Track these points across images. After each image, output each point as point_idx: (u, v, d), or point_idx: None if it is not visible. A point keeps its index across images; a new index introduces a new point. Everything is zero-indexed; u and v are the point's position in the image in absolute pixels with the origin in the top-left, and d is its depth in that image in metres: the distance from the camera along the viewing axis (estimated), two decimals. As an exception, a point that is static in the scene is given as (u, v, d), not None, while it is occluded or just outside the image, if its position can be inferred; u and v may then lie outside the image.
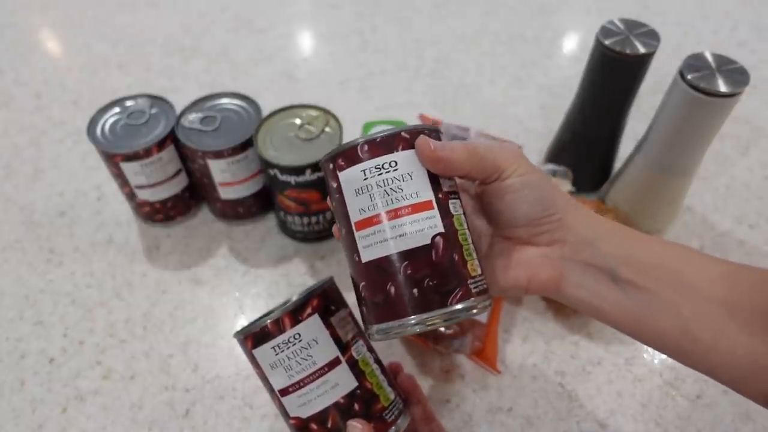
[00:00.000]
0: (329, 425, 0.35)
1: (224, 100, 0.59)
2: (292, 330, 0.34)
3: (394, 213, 0.29)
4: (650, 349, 0.52)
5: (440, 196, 0.30)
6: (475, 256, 0.31)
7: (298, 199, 0.55)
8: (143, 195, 0.58)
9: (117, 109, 0.57)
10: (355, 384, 0.35)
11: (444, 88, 0.79)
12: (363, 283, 0.31)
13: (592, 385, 0.50)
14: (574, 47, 0.86)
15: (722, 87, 0.44)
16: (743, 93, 0.44)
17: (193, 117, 0.56)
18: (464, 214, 0.32)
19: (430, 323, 0.29)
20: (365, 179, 0.30)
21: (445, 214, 0.30)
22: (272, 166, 0.52)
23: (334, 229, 0.35)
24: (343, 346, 0.35)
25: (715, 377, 0.30)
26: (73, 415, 0.49)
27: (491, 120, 0.74)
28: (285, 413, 0.36)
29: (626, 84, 0.52)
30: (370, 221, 0.30)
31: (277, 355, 0.35)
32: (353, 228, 0.30)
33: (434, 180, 0.30)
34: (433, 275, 0.29)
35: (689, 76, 0.45)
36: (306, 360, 0.34)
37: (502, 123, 0.74)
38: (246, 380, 0.51)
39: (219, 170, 0.56)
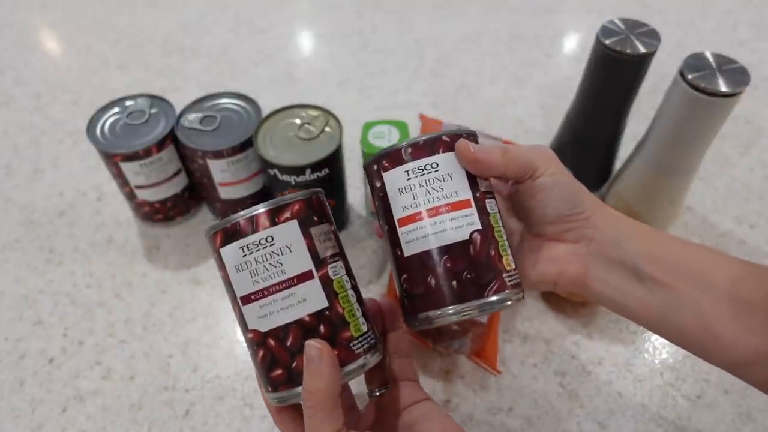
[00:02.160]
0: (288, 343, 0.31)
1: (224, 100, 0.59)
2: (265, 231, 0.31)
3: (435, 210, 0.32)
4: (650, 349, 0.52)
5: (478, 195, 0.32)
6: (510, 252, 0.33)
7: (298, 199, 0.55)
8: (143, 195, 0.58)
9: (117, 109, 0.57)
10: (326, 304, 0.32)
11: (444, 88, 0.79)
12: (405, 276, 0.33)
13: (592, 385, 0.50)
14: (574, 47, 0.86)
15: (723, 87, 0.44)
16: (744, 93, 0.44)
17: (192, 117, 0.56)
18: (499, 212, 0.34)
19: (466, 313, 0.31)
20: (408, 179, 0.32)
21: (482, 212, 0.32)
22: (272, 166, 0.52)
23: (376, 227, 0.36)
24: (320, 261, 0.32)
25: (735, 374, 0.31)
26: (73, 415, 0.49)
27: (491, 120, 0.74)
28: (243, 324, 0.33)
29: (626, 84, 0.52)
30: (413, 218, 0.32)
31: (244, 256, 0.31)
32: (396, 225, 0.33)
33: (472, 180, 0.33)
34: (471, 268, 0.31)
35: (689, 76, 0.45)
36: (275, 267, 0.31)
37: (502, 123, 0.74)
38: (246, 380, 0.51)
39: (219, 170, 0.56)
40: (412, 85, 0.80)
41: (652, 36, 0.49)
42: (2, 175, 0.69)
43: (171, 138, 0.56)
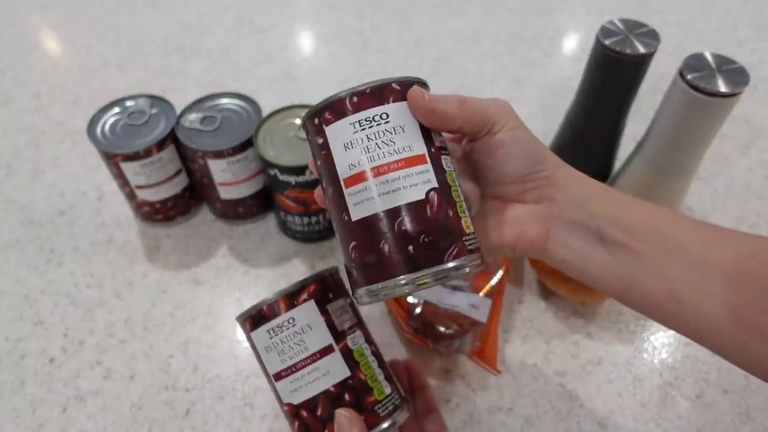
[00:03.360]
0: (319, 413, 0.34)
1: (224, 100, 0.59)
2: (287, 314, 0.35)
3: (386, 167, 0.28)
4: (650, 349, 0.52)
5: (433, 150, 0.29)
6: (468, 214, 0.30)
7: (298, 199, 0.55)
8: (143, 195, 0.58)
9: (117, 109, 0.57)
10: (348, 374, 0.34)
11: (444, 88, 0.79)
12: (353, 243, 0.29)
13: (592, 385, 0.50)
14: (574, 47, 0.86)
15: (722, 87, 0.44)
16: (743, 93, 0.44)
17: (193, 117, 0.56)
18: (455, 169, 0.31)
19: (423, 282, 0.28)
20: (354, 132, 0.28)
21: (439, 170, 0.29)
22: (272, 166, 0.52)
23: (317, 192, 0.33)
24: (338, 335, 0.35)
25: (699, 341, 0.29)
26: (73, 415, 0.49)
27: (491, 120, 0.74)
28: (279, 399, 0.36)
29: (626, 84, 0.52)
30: (361, 177, 0.28)
31: (271, 338, 0.35)
32: (342, 185, 0.29)
33: (426, 134, 0.29)
34: (428, 231, 0.28)
35: (689, 76, 0.45)
36: (299, 345, 0.34)
37: (502, 123, 0.74)
38: (246, 380, 0.51)
39: (219, 170, 0.56)
40: (412, 85, 0.80)
41: (652, 36, 0.49)
42: (2, 175, 0.69)
43: (171, 138, 0.56)
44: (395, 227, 0.28)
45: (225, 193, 0.59)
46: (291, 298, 0.35)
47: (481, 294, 0.52)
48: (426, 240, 0.28)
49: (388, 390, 0.36)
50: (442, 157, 0.30)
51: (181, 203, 0.61)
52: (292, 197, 0.55)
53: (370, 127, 0.28)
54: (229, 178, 0.57)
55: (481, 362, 0.49)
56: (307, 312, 0.35)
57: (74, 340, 0.54)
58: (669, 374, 0.51)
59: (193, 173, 0.60)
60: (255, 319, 0.36)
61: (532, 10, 0.93)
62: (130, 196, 0.59)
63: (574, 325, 0.54)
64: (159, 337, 0.54)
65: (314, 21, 0.93)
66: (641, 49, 0.48)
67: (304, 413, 0.35)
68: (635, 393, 0.49)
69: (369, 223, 0.28)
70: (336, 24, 0.91)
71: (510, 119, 0.31)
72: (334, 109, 0.29)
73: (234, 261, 0.60)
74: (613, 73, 0.51)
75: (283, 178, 0.53)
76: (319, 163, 0.31)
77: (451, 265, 0.28)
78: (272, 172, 0.53)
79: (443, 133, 0.31)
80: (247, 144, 0.55)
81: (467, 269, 0.29)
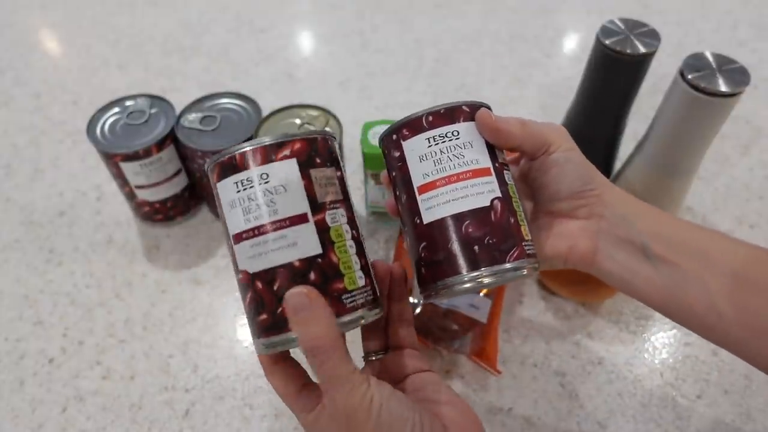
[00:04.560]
0: (275, 287, 0.30)
1: (224, 100, 0.59)
2: (261, 168, 0.30)
3: (456, 177, 0.32)
4: (650, 349, 0.52)
5: (497, 165, 0.33)
6: (526, 223, 0.33)
7: (298, 198, 0.55)
8: (143, 195, 0.58)
9: (117, 109, 0.57)
10: (319, 251, 0.30)
11: (444, 88, 0.79)
12: (424, 244, 0.32)
13: (592, 385, 0.50)
14: (574, 47, 0.86)
15: (722, 87, 0.44)
16: (743, 93, 0.44)
17: (192, 117, 0.56)
18: (515, 185, 0.34)
19: (487, 279, 0.31)
20: (429, 146, 0.32)
21: (502, 182, 0.32)
22: (272, 166, 0.52)
23: (389, 201, 0.36)
24: (317, 206, 0.31)
25: (739, 354, 0.32)
26: (73, 415, 0.49)
27: (491, 120, 0.74)
28: (235, 265, 0.31)
29: (626, 84, 0.52)
30: (434, 184, 0.32)
31: (237, 192, 0.30)
32: (415, 192, 0.33)
33: (491, 150, 0.33)
34: (492, 234, 0.31)
35: (689, 76, 0.45)
36: (267, 206, 0.30)
37: (502, 123, 0.74)
38: (246, 380, 0.51)
39: (219, 170, 0.56)
40: (412, 85, 0.80)
41: (652, 36, 0.49)
42: (2, 175, 0.69)
43: (171, 138, 0.56)
44: (462, 229, 0.31)
45: (225, 193, 0.59)
46: (269, 150, 0.30)
47: (481, 294, 0.51)
48: (490, 242, 0.31)
49: (361, 282, 0.31)
50: (505, 172, 0.33)
51: (181, 203, 0.61)
52: (292, 197, 0.55)
53: (443, 142, 0.32)
54: (229, 178, 0.57)
55: (481, 362, 0.49)
56: (285, 170, 0.30)
57: (74, 340, 0.54)
58: (669, 374, 0.51)
59: (192, 173, 0.60)
60: (224, 166, 0.31)
61: (532, 10, 0.92)
62: (130, 196, 0.59)
63: (574, 325, 0.54)
64: (159, 337, 0.54)
65: (314, 21, 0.93)
66: (641, 49, 0.48)
67: (259, 284, 0.30)
68: (635, 393, 0.49)
69: (439, 225, 0.32)
70: (336, 24, 0.91)
71: (564, 142, 0.34)
72: (411, 126, 0.33)
73: (234, 261, 0.60)
74: (614, 72, 0.51)
75: (282, 177, 0.52)
76: (394, 174, 0.35)
77: (511, 265, 0.31)
78: (272, 171, 0.53)
79: (505, 152, 0.35)
80: (247, 144, 0.54)
81: (525, 271, 0.31)
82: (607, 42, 0.49)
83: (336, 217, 0.31)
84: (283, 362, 0.32)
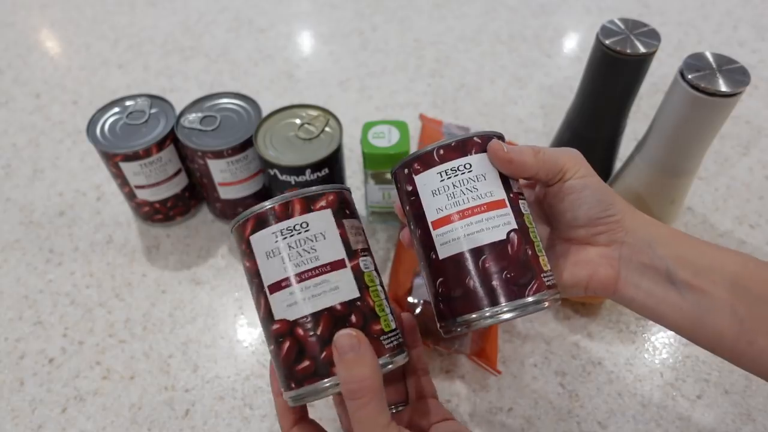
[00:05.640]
0: (319, 331, 0.30)
1: (224, 100, 0.59)
2: (301, 217, 0.31)
3: (470, 211, 0.31)
4: (650, 349, 0.52)
5: (511, 195, 0.32)
6: (544, 253, 0.33)
7: (298, 199, 0.55)
8: (143, 195, 0.58)
9: (116, 109, 0.57)
10: (357, 294, 0.31)
11: (444, 88, 0.79)
12: (441, 280, 0.32)
13: (592, 385, 0.50)
14: (574, 47, 0.86)
15: (723, 87, 0.44)
16: (744, 93, 0.44)
17: (192, 117, 0.56)
18: (531, 214, 0.33)
19: (507, 314, 0.30)
20: (442, 180, 0.32)
21: (517, 213, 0.32)
22: (272, 166, 0.52)
23: (404, 234, 0.36)
24: (352, 252, 0.32)
25: None
26: (73, 415, 0.49)
27: (491, 120, 0.74)
28: (269, 316, 0.31)
29: (626, 84, 0.52)
30: (447, 219, 0.32)
31: (276, 242, 0.31)
32: (430, 228, 0.32)
33: (505, 181, 0.32)
34: (510, 268, 0.31)
35: (689, 76, 0.45)
36: (309, 252, 0.31)
37: (502, 123, 0.74)
38: (246, 380, 0.51)
39: (219, 170, 0.56)
40: (412, 85, 0.80)
41: (652, 36, 0.49)
42: (2, 175, 0.69)
43: (171, 138, 0.56)
44: (480, 264, 0.31)
45: (225, 193, 0.59)
46: (308, 201, 0.32)
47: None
48: (508, 276, 0.31)
49: (393, 324, 0.33)
50: (520, 201, 0.33)
51: (181, 203, 0.61)
52: (292, 197, 0.55)
53: (455, 176, 0.32)
54: (229, 178, 0.57)
55: (481, 362, 0.49)
56: (323, 219, 0.31)
57: (74, 340, 0.54)
58: (670, 374, 0.51)
59: (192, 173, 0.60)
60: (261, 218, 0.31)
61: (532, 10, 0.92)
62: (130, 196, 0.59)
63: (574, 325, 0.54)
64: (159, 337, 0.54)
65: (314, 21, 0.93)
66: (642, 49, 0.48)
67: (300, 331, 0.30)
68: (636, 393, 0.49)
69: (455, 261, 0.31)
70: (335, 24, 0.91)
71: (581, 168, 0.34)
72: (422, 160, 0.33)
73: (234, 261, 0.60)
74: (614, 72, 0.51)
75: (283, 178, 0.53)
76: (407, 208, 0.34)
77: (531, 299, 0.30)
78: (272, 172, 0.53)
79: (520, 180, 0.34)
80: (247, 144, 0.54)
81: (546, 303, 0.31)
82: (607, 42, 0.49)
83: (367, 264, 0.33)
84: (302, 422, 0.32)
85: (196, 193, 0.63)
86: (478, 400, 0.49)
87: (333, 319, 0.30)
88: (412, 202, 0.33)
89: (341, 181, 0.57)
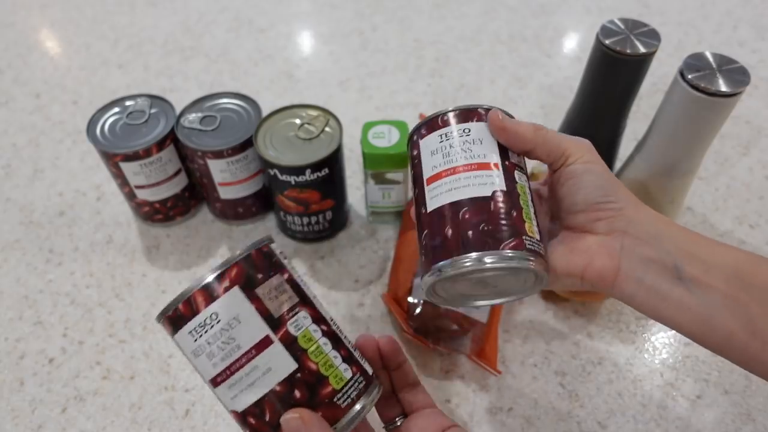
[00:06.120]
0: (267, 418, 0.29)
1: (224, 100, 0.59)
2: (207, 309, 0.29)
3: (461, 168, 0.32)
4: (650, 349, 0.52)
5: (507, 163, 0.33)
6: (535, 223, 0.32)
7: (298, 199, 0.55)
8: (143, 195, 0.58)
9: (116, 109, 0.57)
10: (294, 366, 0.29)
11: (444, 87, 0.79)
12: (426, 232, 0.33)
13: (592, 385, 0.50)
14: (574, 47, 0.86)
15: (723, 87, 0.44)
16: (744, 93, 0.44)
17: (192, 117, 0.56)
18: (530, 189, 0.34)
19: (477, 263, 0.29)
20: (440, 142, 0.34)
21: (509, 179, 0.32)
22: (272, 166, 0.52)
23: (408, 209, 0.37)
24: (276, 322, 0.30)
25: None
26: (73, 415, 0.49)
27: (491, 120, 0.74)
28: (224, 406, 0.31)
29: (626, 84, 0.52)
30: (439, 175, 0.33)
31: (195, 340, 0.30)
32: (425, 184, 0.34)
33: (503, 150, 0.33)
34: (489, 222, 0.31)
35: (689, 76, 0.45)
36: (228, 344, 0.29)
37: (502, 123, 0.74)
38: (246, 380, 0.51)
39: (219, 170, 0.56)
40: (412, 85, 0.80)
41: (652, 36, 0.49)
42: (2, 175, 0.69)
43: (171, 138, 0.56)
44: (460, 215, 0.31)
45: (224, 193, 0.59)
46: (209, 290, 0.29)
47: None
48: (486, 228, 0.31)
49: (348, 374, 0.31)
50: (516, 172, 0.33)
51: (181, 203, 0.61)
52: (292, 197, 0.55)
53: (453, 138, 0.34)
54: (229, 178, 0.57)
55: (481, 362, 0.49)
56: (232, 302, 0.29)
57: (74, 340, 0.54)
58: (669, 374, 0.51)
59: (192, 173, 0.60)
60: (173, 320, 0.30)
61: (532, 10, 0.92)
62: (130, 196, 0.59)
63: (574, 325, 0.54)
64: (159, 337, 0.54)
65: (314, 21, 0.93)
66: (642, 49, 0.48)
67: (252, 420, 0.30)
68: (636, 393, 0.49)
69: (439, 212, 0.32)
70: (335, 24, 0.91)
71: (586, 154, 0.33)
72: (428, 125, 0.35)
73: (234, 261, 0.60)
74: (614, 72, 0.51)
75: (282, 177, 0.53)
76: (412, 173, 0.35)
77: (507, 253, 0.30)
78: (272, 171, 0.53)
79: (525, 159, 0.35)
80: (247, 144, 0.54)
81: (526, 263, 0.30)
82: (607, 42, 0.49)
83: (299, 323, 0.30)
84: None
85: (196, 193, 0.63)
86: (478, 400, 0.49)
87: (276, 402, 0.29)
88: (416, 165, 0.35)
89: (341, 181, 0.57)
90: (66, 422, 0.48)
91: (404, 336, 0.52)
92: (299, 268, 0.59)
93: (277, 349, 0.29)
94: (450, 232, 0.31)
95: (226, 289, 0.29)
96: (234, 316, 0.29)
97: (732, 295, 0.29)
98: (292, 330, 0.30)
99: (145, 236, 0.62)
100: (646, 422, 0.48)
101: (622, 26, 0.50)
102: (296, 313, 0.31)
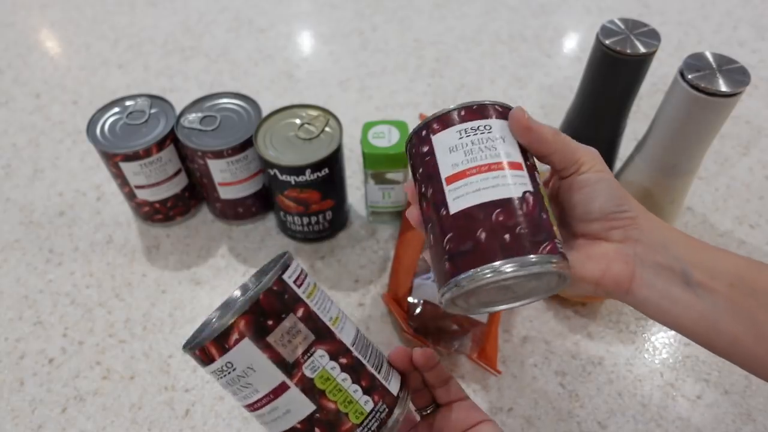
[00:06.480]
0: None
1: (224, 100, 0.59)
2: (221, 359, 0.30)
3: (488, 167, 0.30)
4: (650, 349, 0.52)
5: (528, 164, 0.32)
6: (557, 225, 0.31)
7: (298, 199, 0.55)
8: (143, 195, 0.58)
9: (116, 109, 0.57)
10: (313, 408, 0.30)
11: (444, 88, 0.79)
12: (450, 235, 0.30)
13: (592, 385, 0.50)
14: (574, 47, 0.86)
15: (723, 87, 0.44)
16: (744, 93, 0.44)
17: (192, 117, 0.56)
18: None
19: (517, 269, 0.28)
20: (460, 138, 0.31)
21: (533, 180, 0.31)
22: (272, 166, 0.52)
23: (411, 211, 0.34)
24: (290, 367, 0.30)
25: None
26: (73, 415, 0.49)
27: (491, 120, 0.74)
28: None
29: (626, 84, 0.52)
30: (464, 174, 0.31)
31: (218, 380, 0.31)
32: (443, 183, 0.31)
33: (523, 150, 0.32)
34: (524, 224, 0.29)
35: (690, 76, 0.45)
36: (246, 388, 0.30)
37: (502, 123, 0.74)
38: (246, 380, 0.51)
39: (219, 170, 0.56)
40: (412, 85, 0.80)
41: (652, 36, 0.49)
42: (2, 175, 0.69)
43: (171, 138, 0.56)
44: (493, 217, 0.29)
45: (224, 193, 0.59)
46: (220, 341, 0.29)
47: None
48: (522, 231, 0.29)
49: (369, 406, 0.31)
50: (535, 173, 0.32)
51: (181, 203, 0.61)
52: (292, 197, 0.55)
53: (474, 135, 0.31)
54: (229, 177, 0.57)
55: (481, 362, 0.49)
56: (244, 353, 0.29)
57: (74, 341, 0.54)
58: (670, 374, 0.51)
59: (192, 173, 0.60)
60: (199, 359, 0.31)
61: (532, 10, 0.92)
62: (130, 196, 0.59)
63: (574, 325, 0.54)
64: (158, 337, 0.54)
65: (314, 21, 0.93)
66: (642, 49, 0.48)
67: None
68: (636, 393, 0.49)
69: (467, 214, 0.30)
70: (335, 24, 0.91)
71: (597, 164, 0.33)
72: (442, 120, 0.32)
73: (234, 261, 0.60)
74: (614, 72, 0.51)
75: (282, 177, 0.53)
76: (420, 171, 0.33)
77: (545, 257, 0.29)
78: (272, 171, 0.53)
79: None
80: (247, 144, 0.54)
81: (554, 267, 0.29)
82: (607, 42, 0.49)
83: (315, 364, 0.30)
84: None
85: (196, 193, 0.63)
86: (478, 400, 0.49)
87: None
88: (427, 162, 0.32)
89: (341, 180, 0.57)
90: (66, 422, 0.48)
91: (404, 336, 0.52)
92: (299, 268, 0.59)
93: (294, 393, 0.30)
94: (483, 236, 0.29)
95: (236, 342, 0.29)
96: (248, 365, 0.30)
97: (738, 301, 0.30)
98: (308, 373, 0.30)
99: (145, 236, 0.62)
100: (646, 422, 0.48)
101: (622, 26, 0.50)
102: (312, 354, 0.30)
